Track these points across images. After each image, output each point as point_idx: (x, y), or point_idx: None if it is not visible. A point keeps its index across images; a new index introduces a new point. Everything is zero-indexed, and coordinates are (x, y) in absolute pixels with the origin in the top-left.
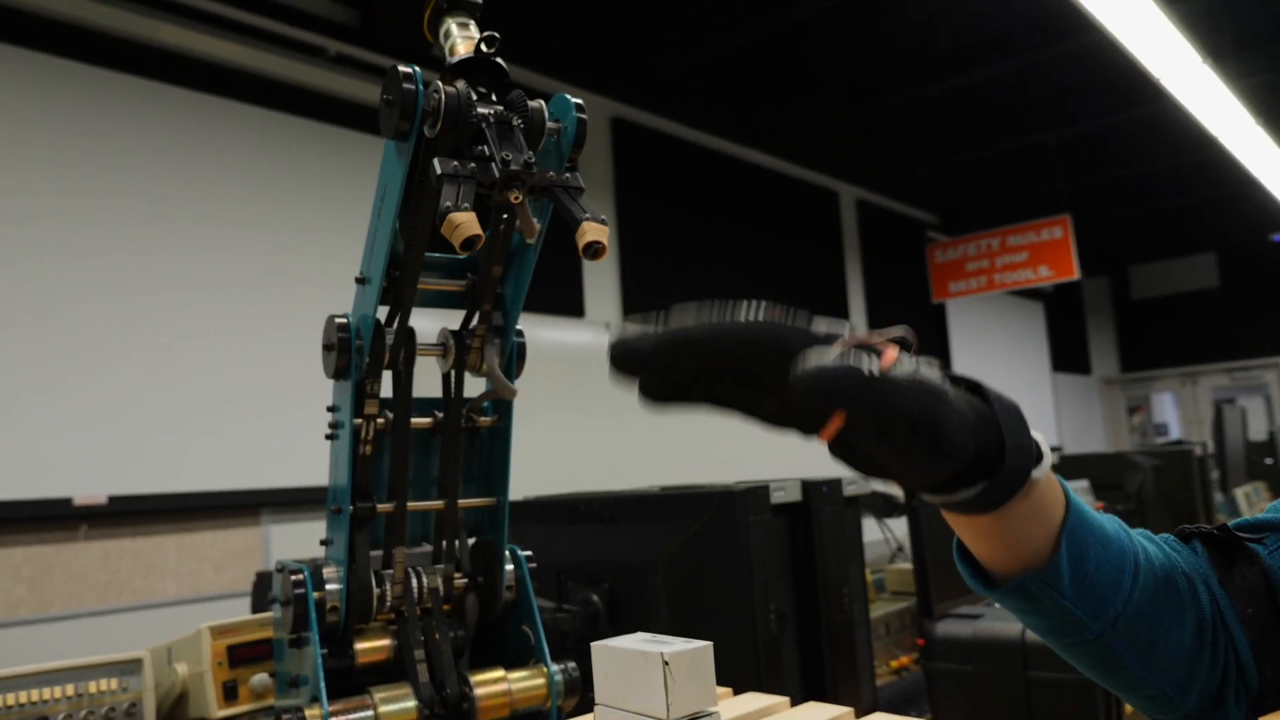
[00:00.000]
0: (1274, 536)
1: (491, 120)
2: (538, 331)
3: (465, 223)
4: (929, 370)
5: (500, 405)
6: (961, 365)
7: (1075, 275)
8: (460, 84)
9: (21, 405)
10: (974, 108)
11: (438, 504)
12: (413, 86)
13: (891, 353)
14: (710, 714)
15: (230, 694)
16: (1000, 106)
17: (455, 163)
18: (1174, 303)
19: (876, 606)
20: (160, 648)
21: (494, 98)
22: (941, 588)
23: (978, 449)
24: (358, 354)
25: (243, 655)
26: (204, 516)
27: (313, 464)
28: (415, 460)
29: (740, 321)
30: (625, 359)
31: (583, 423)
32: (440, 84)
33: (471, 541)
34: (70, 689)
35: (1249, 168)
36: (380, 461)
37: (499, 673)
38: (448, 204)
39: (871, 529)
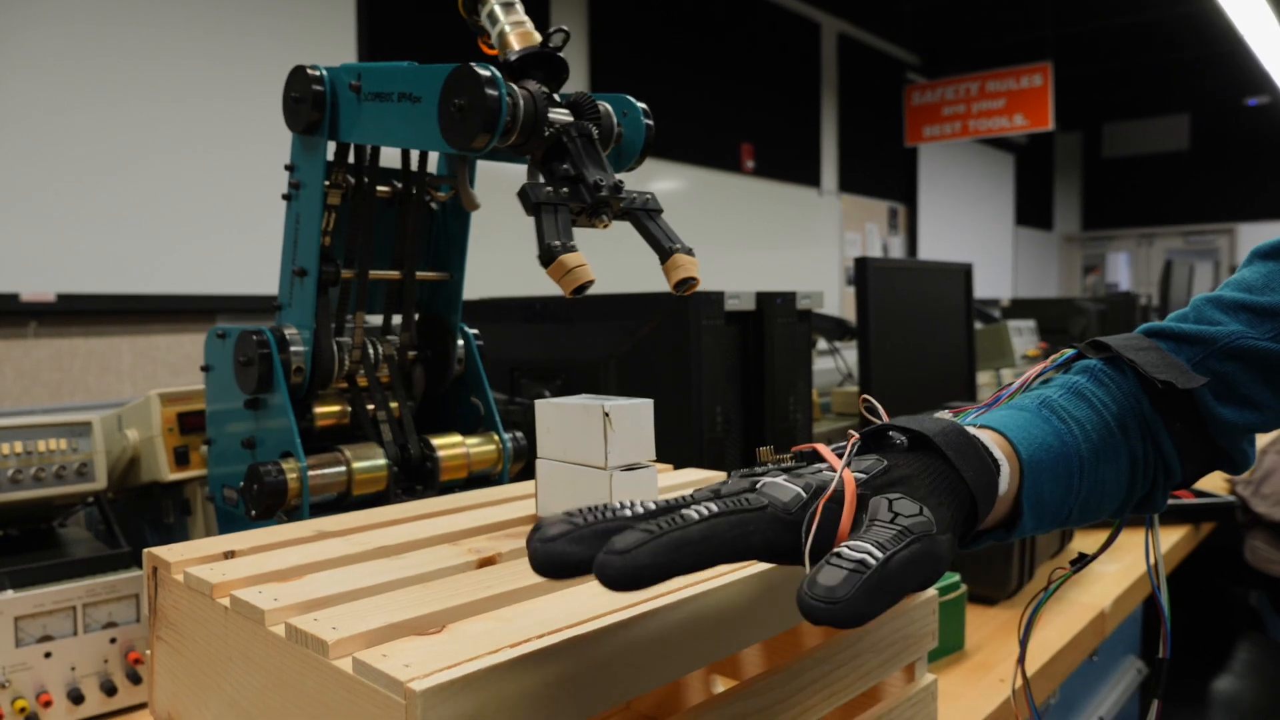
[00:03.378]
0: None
1: (575, 134)
2: None
3: (578, 269)
4: (905, 505)
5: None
6: (927, 213)
7: (1050, 126)
8: (533, 85)
9: None
10: None
11: (395, 274)
12: (496, 93)
13: (851, 500)
14: (646, 466)
15: (181, 459)
16: None
17: (549, 188)
18: (1141, 163)
19: (821, 424)
20: (110, 415)
21: (555, 98)
22: (885, 409)
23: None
24: (332, 109)
25: (193, 423)
26: (159, 319)
27: (268, 270)
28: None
29: (697, 532)
30: (614, 578)
31: None
32: (515, 87)
33: (417, 317)
34: (19, 446)
35: (1237, 24)
36: (339, 227)
37: (457, 437)
38: (554, 243)
39: (824, 360)
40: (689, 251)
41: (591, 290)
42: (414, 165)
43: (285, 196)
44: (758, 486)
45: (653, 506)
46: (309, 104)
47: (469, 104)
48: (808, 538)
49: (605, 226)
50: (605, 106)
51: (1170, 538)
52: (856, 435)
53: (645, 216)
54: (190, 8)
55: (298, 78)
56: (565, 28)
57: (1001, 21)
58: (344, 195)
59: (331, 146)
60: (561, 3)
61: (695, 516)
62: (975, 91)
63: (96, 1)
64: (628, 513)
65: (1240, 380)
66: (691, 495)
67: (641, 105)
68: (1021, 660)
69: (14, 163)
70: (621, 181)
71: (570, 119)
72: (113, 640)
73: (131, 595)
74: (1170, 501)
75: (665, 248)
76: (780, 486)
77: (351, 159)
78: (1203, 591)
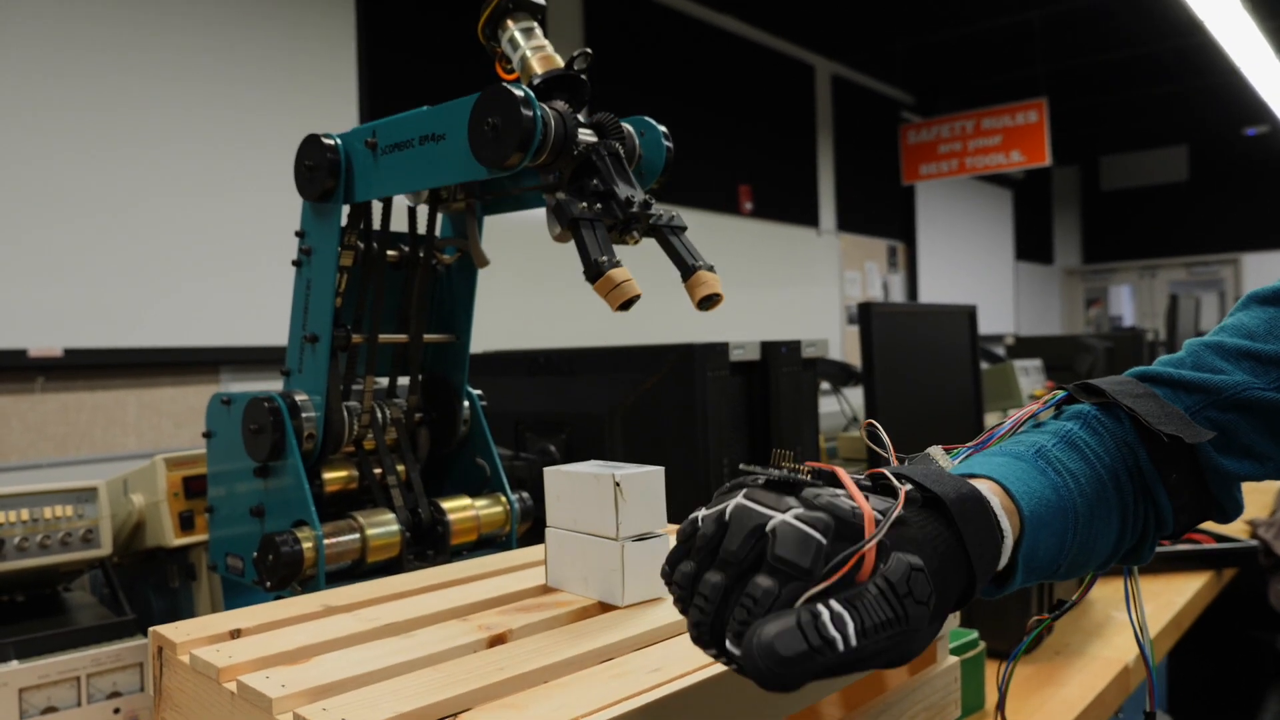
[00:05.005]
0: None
1: (603, 152)
2: None
3: (625, 284)
4: (921, 586)
5: (463, 247)
6: (927, 250)
7: (1047, 161)
8: (560, 105)
9: None
10: None
11: (403, 337)
12: (531, 113)
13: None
14: (658, 535)
15: (186, 524)
16: None
17: (582, 204)
18: (1141, 195)
19: None
20: (116, 479)
21: (580, 118)
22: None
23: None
24: (346, 174)
25: (198, 487)
26: (163, 372)
27: (271, 323)
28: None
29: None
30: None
31: (544, 291)
32: (546, 107)
33: (422, 379)
34: (25, 514)
35: (1232, 56)
36: (349, 290)
37: (466, 500)
38: (600, 259)
39: (828, 403)
40: (710, 268)
41: (594, 342)
42: (421, 228)
43: (295, 263)
44: (768, 529)
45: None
46: (324, 171)
47: (503, 123)
48: (821, 585)
49: (635, 242)
50: (628, 127)
51: (1192, 584)
52: (903, 493)
53: (670, 233)
54: (192, 66)
55: (311, 146)
56: (589, 50)
57: (994, 59)
58: (354, 258)
59: (344, 211)
60: (557, 49)
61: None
62: (971, 129)
63: (100, 59)
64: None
65: (1243, 431)
66: (708, 599)
67: (661, 128)
68: (1001, 707)
69: (21, 221)
70: (650, 198)
71: (596, 139)
72: (116, 710)
73: (135, 664)
74: (1191, 547)
75: (689, 265)
76: (793, 534)
77: (363, 224)
78: (1228, 638)
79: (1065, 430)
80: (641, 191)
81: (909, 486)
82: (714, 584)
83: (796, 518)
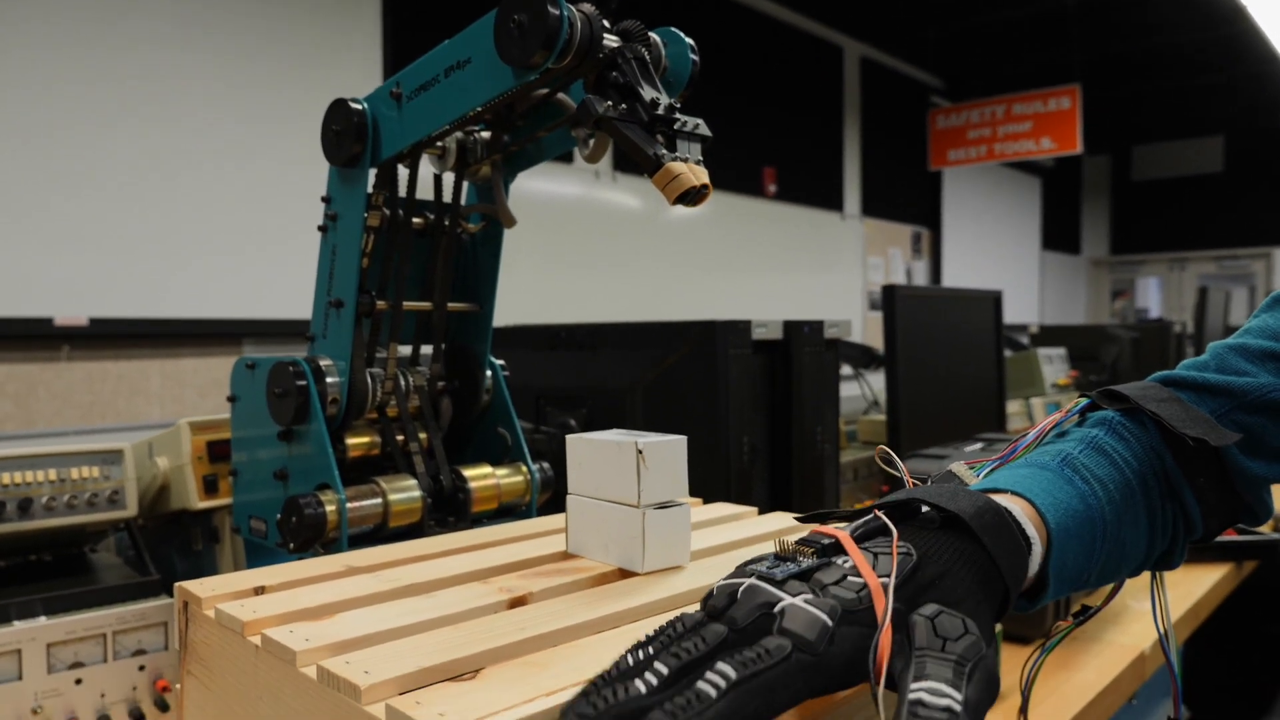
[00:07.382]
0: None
1: (629, 55)
2: (524, 179)
3: (682, 176)
4: (949, 626)
5: (489, 215)
6: (952, 237)
7: (1078, 148)
8: (587, 7)
9: (2, 224)
10: None
11: (427, 305)
12: (557, 11)
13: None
14: (679, 504)
15: (210, 487)
16: None
17: (609, 103)
18: (1173, 186)
19: (847, 453)
20: (141, 443)
21: (606, 24)
22: (912, 438)
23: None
24: (373, 135)
25: (222, 451)
26: (187, 343)
27: (294, 295)
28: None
29: (718, 713)
30: None
31: (567, 271)
32: (573, 8)
33: (445, 348)
34: (53, 474)
35: (1276, 44)
36: (375, 255)
37: (487, 468)
38: (659, 152)
39: (849, 386)
40: (699, 163)
41: (616, 318)
42: (447, 196)
43: (321, 229)
44: (776, 609)
45: (665, 672)
46: (351, 136)
47: (529, 20)
48: (879, 684)
49: (661, 144)
50: (654, 35)
51: (1211, 576)
52: (887, 521)
53: (691, 139)
54: (217, 36)
55: (338, 111)
56: None
57: (1027, 44)
58: (380, 220)
59: (370, 177)
60: None
61: (713, 694)
62: (1001, 115)
63: (126, 30)
64: (642, 688)
65: (1270, 433)
66: (704, 640)
67: (688, 40)
68: (1024, 711)
69: (47, 190)
70: (675, 103)
71: (621, 43)
72: (141, 668)
73: (160, 623)
74: None
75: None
76: (802, 613)
77: (389, 190)
78: (1245, 632)
79: (1091, 436)
80: (666, 96)
81: (925, 508)
82: (717, 631)
83: (806, 601)
